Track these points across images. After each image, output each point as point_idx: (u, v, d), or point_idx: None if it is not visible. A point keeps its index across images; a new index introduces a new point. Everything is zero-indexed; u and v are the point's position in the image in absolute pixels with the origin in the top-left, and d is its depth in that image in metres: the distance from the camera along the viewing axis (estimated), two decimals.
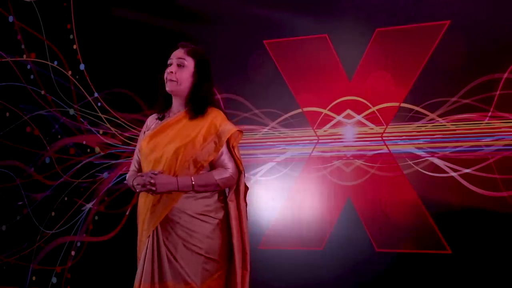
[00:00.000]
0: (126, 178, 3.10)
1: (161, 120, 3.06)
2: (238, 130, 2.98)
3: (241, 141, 3.05)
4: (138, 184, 2.89)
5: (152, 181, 2.84)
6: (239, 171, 2.99)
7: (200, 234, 2.90)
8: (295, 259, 4.64)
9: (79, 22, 5.46)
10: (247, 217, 3.03)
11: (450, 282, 4.24)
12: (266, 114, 4.80)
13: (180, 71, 2.98)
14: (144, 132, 3.10)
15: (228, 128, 2.96)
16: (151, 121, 3.12)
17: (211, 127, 2.95)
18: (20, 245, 5.55)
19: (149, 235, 2.92)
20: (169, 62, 3.02)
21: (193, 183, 2.88)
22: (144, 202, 2.97)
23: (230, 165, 2.96)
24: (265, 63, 4.80)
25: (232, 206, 2.97)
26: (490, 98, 4.19)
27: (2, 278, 5.59)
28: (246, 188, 3.04)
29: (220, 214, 2.96)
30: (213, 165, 2.97)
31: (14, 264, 5.56)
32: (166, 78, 2.99)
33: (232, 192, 2.99)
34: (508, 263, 4.11)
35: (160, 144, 2.96)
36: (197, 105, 2.97)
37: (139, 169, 3.07)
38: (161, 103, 3.08)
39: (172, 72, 2.97)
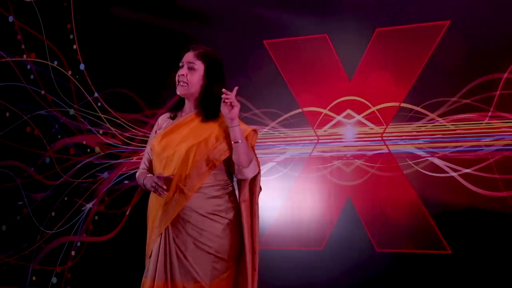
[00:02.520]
0: (136, 176, 3.12)
1: (173, 119, 3.08)
2: (253, 130, 2.99)
3: None
4: (151, 186, 2.90)
5: (163, 176, 2.83)
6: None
7: (210, 233, 2.92)
8: (295, 259, 4.64)
9: (79, 22, 5.46)
10: (258, 217, 3.04)
11: (450, 282, 4.24)
12: (266, 114, 4.80)
13: (190, 74, 3.00)
14: (156, 131, 3.12)
15: (244, 127, 2.97)
16: (163, 120, 3.14)
17: (224, 128, 2.96)
18: (20, 245, 5.55)
19: (161, 233, 2.93)
20: (180, 64, 3.04)
21: (240, 141, 2.88)
22: (156, 199, 2.98)
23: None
24: (265, 63, 4.80)
25: (244, 206, 2.99)
26: (490, 98, 4.19)
27: (2, 278, 5.59)
28: (260, 189, 3.06)
29: (231, 214, 2.98)
30: (230, 164, 2.98)
31: (14, 264, 5.56)
32: (177, 81, 3.01)
33: (246, 192, 3.00)
34: (508, 263, 4.11)
35: (173, 142, 2.97)
36: (209, 109, 2.99)
37: (150, 168, 3.09)
38: (175, 101, 3.10)
39: (182, 74, 2.99)
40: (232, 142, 2.90)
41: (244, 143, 2.90)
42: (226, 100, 2.86)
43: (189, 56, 3.02)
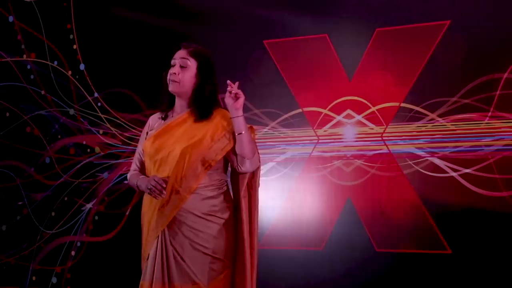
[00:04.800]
0: (128, 177, 3.10)
1: (164, 120, 3.06)
2: (250, 126, 2.98)
3: None
4: (147, 188, 2.89)
5: (163, 185, 2.84)
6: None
7: (206, 234, 2.91)
8: (295, 259, 4.64)
9: (79, 22, 5.46)
10: (258, 214, 3.03)
11: (450, 282, 4.24)
12: (266, 114, 4.80)
13: (182, 72, 2.97)
14: (147, 132, 3.09)
15: None
16: (154, 120, 3.11)
17: (218, 127, 2.95)
18: (20, 245, 5.55)
19: (157, 236, 2.92)
20: (172, 62, 3.01)
21: (243, 132, 2.88)
22: (150, 202, 2.96)
23: None
24: (265, 63, 4.80)
25: (244, 202, 2.98)
26: (490, 98, 4.19)
27: (2, 278, 5.59)
28: (258, 184, 3.05)
29: (226, 214, 2.96)
30: (232, 158, 2.97)
31: (14, 264, 5.56)
32: (169, 79, 2.98)
33: (246, 187, 2.99)
34: (508, 263, 4.11)
35: (166, 144, 2.95)
36: (202, 108, 2.97)
37: (141, 169, 3.07)
38: (165, 102, 3.07)
39: (174, 73, 2.97)
40: (236, 134, 2.90)
41: (248, 133, 2.90)
42: (231, 92, 2.86)
43: (181, 54, 3.00)
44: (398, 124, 4.43)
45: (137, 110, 5.21)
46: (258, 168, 3.01)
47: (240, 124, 2.88)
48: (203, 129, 2.94)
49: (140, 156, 3.09)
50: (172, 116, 3.04)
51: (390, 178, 4.43)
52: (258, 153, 2.99)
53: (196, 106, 2.98)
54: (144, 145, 3.02)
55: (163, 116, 3.07)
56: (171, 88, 2.98)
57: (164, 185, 2.86)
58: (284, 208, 4.74)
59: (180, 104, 3.03)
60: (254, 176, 3.02)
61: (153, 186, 2.85)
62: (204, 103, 2.97)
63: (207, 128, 2.95)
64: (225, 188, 3.01)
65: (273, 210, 4.74)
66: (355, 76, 4.56)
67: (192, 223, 2.90)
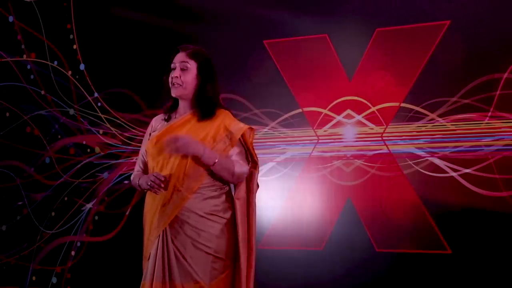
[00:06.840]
0: (131, 178, 3.12)
1: (167, 121, 3.07)
2: (249, 128, 2.99)
3: None
4: (147, 184, 2.91)
5: (162, 178, 2.84)
6: (254, 167, 3.03)
7: (208, 234, 2.92)
8: (295, 259, 4.64)
9: (79, 22, 5.46)
10: (255, 215, 3.04)
11: (450, 282, 4.24)
12: (266, 114, 4.80)
13: (184, 75, 2.99)
14: (150, 134, 3.11)
15: (240, 126, 2.99)
16: (157, 122, 3.13)
17: (220, 128, 2.97)
18: (20, 245, 5.55)
19: (159, 234, 2.92)
20: (172, 66, 3.03)
21: (216, 161, 2.89)
22: (152, 201, 2.98)
23: (245, 163, 2.99)
24: (265, 63, 4.80)
25: (239, 203, 2.99)
26: (490, 98, 4.19)
27: (2, 278, 5.59)
28: (257, 186, 3.06)
29: (228, 214, 2.98)
30: None
31: (14, 264, 5.56)
32: (171, 83, 3.00)
33: (242, 189, 3.01)
34: (508, 263, 4.12)
35: None
36: (205, 108, 2.99)
37: (145, 170, 3.08)
38: (169, 104, 3.09)
39: (176, 76, 2.98)
40: (210, 167, 2.91)
41: (220, 161, 2.90)
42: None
43: (181, 57, 3.01)
44: (398, 124, 4.43)
45: (137, 110, 5.21)
46: (256, 171, 3.03)
47: (207, 159, 2.89)
48: (206, 129, 2.96)
49: (143, 157, 3.11)
50: (175, 117, 3.06)
51: (390, 178, 4.44)
52: (255, 154, 3.01)
53: (199, 106, 3.00)
54: (147, 146, 3.05)
55: (166, 118, 3.09)
56: (175, 92, 3.00)
57: (163, 179, 2.87)
58: (284, 208, 4.74)
59: (183, 106, 3.05)
60: (252, 179, 3.04)
61: (152, 181, 2.87)
62: (207, 103, 2.99)
63: (209, 128, 2.97)
64: (227, 188, 3.03)
65: (273, 210, 4.74)
66: (355, 76, 4.56)
67: (195, 223, 2.91)
